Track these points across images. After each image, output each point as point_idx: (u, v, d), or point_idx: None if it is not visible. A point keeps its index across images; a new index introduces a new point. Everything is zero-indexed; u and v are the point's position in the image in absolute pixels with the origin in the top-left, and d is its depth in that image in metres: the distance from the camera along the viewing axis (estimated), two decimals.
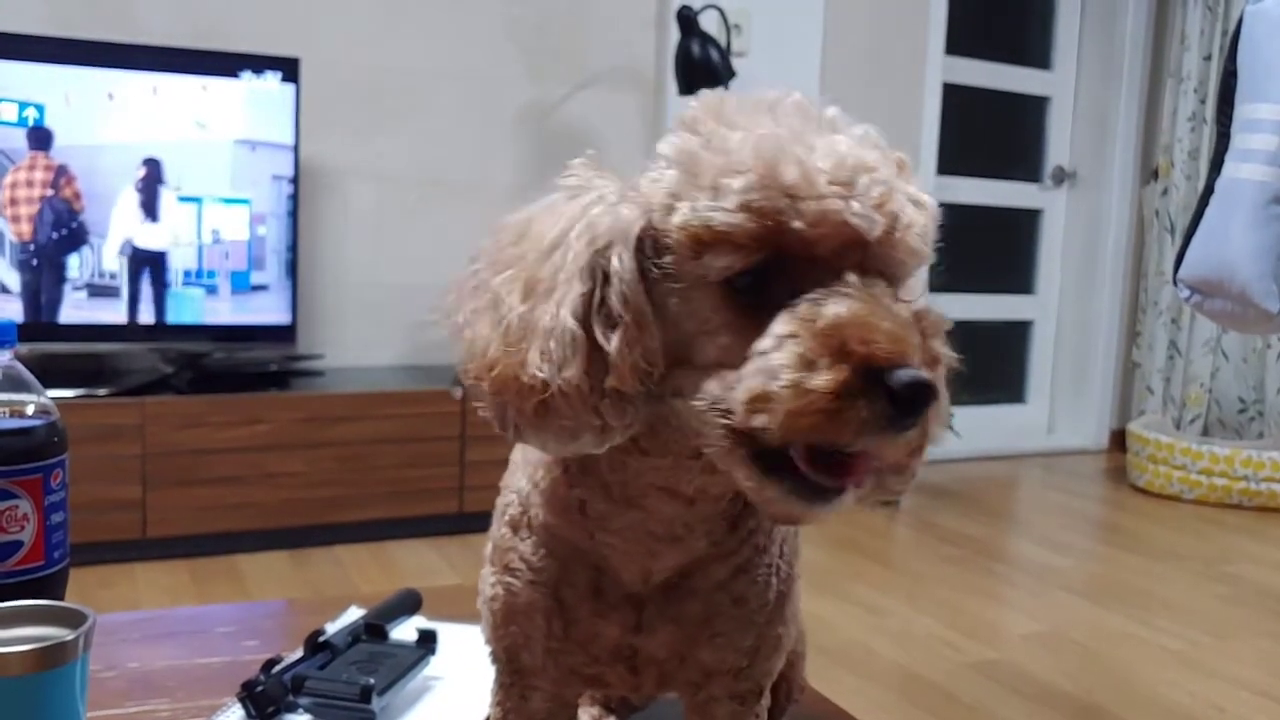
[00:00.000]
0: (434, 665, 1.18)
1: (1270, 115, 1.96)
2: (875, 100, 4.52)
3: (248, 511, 3.16)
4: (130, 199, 3.17)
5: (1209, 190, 2.07)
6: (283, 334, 3.37)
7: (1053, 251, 5.26)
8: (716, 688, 0.73)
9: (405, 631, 1.21)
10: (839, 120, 0.63)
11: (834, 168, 0.57)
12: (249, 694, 1.05)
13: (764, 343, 0.55)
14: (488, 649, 0.77)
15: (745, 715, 0.74)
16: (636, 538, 0.68)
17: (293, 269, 3.37)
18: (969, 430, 4.79)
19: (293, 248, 3.36)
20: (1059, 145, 5.21)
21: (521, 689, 0.76)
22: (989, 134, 5.10)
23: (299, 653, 1.13)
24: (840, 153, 0.58)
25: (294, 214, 3.35)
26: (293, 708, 1.07)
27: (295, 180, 3.33)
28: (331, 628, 1.18)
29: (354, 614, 1.24)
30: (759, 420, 0.53)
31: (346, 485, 3.26)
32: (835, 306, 0.55)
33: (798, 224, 0.56)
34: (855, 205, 0.57)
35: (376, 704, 1.04)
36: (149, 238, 3.20)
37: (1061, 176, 5.18)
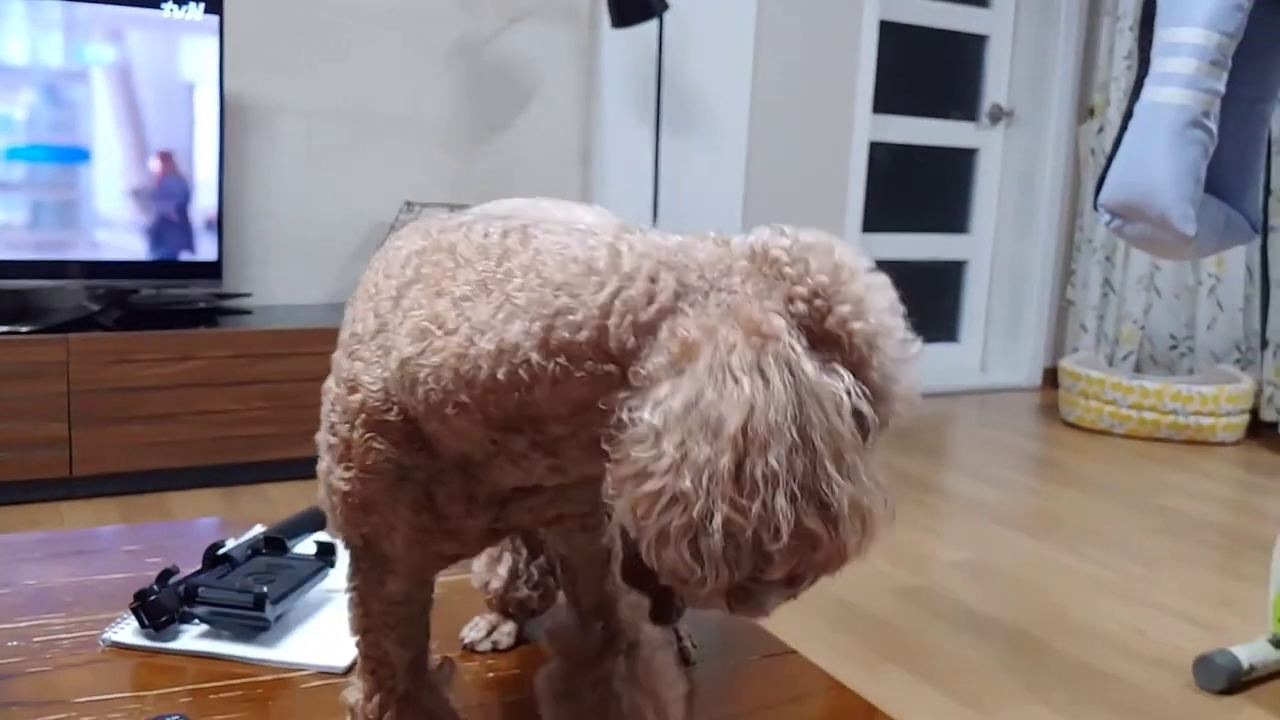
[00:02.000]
0: (334, 578, 1.17)
1: (1189, 39, 1.97)
2: (811, 38, 4.50)
3: (177, 449, 3.12)
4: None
5: (1129, 115, 2.08)
6: (209, 270, 3.32)
7: (988, 191, 5.29)
8: (569, 523, 0.78)
9: (308, 548, 1.20)
10: None
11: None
12: (142, 604, 1.04)
13: None
14: (338, 537, 0.75)
15: (599, 535, 0.79)
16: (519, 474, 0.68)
17: (219, 206, 3.30)
18: None
19: (219, 184, 3.29)
20: (996, 84, 5.21)
21: (380, 574, 0.74)
22: (926, 72, 5.09)
23: (199, 566, 1.12)
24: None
25: (220, 150, 3.28)
26: (187, 618, 1.06)
27: (221, 115, 3.26)
28: (233, 543, 1.16)
29: (258, 533, 1.22)
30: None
31: (276, 423, 3.23)
32: None
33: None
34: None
35: (270, 612, 1.03)
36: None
37: (999, 115, 5.20)
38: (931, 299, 5.36)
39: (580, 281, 0.60)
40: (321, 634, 1.07)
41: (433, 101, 3.83)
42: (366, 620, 0.76)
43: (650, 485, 0.55)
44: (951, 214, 5.29)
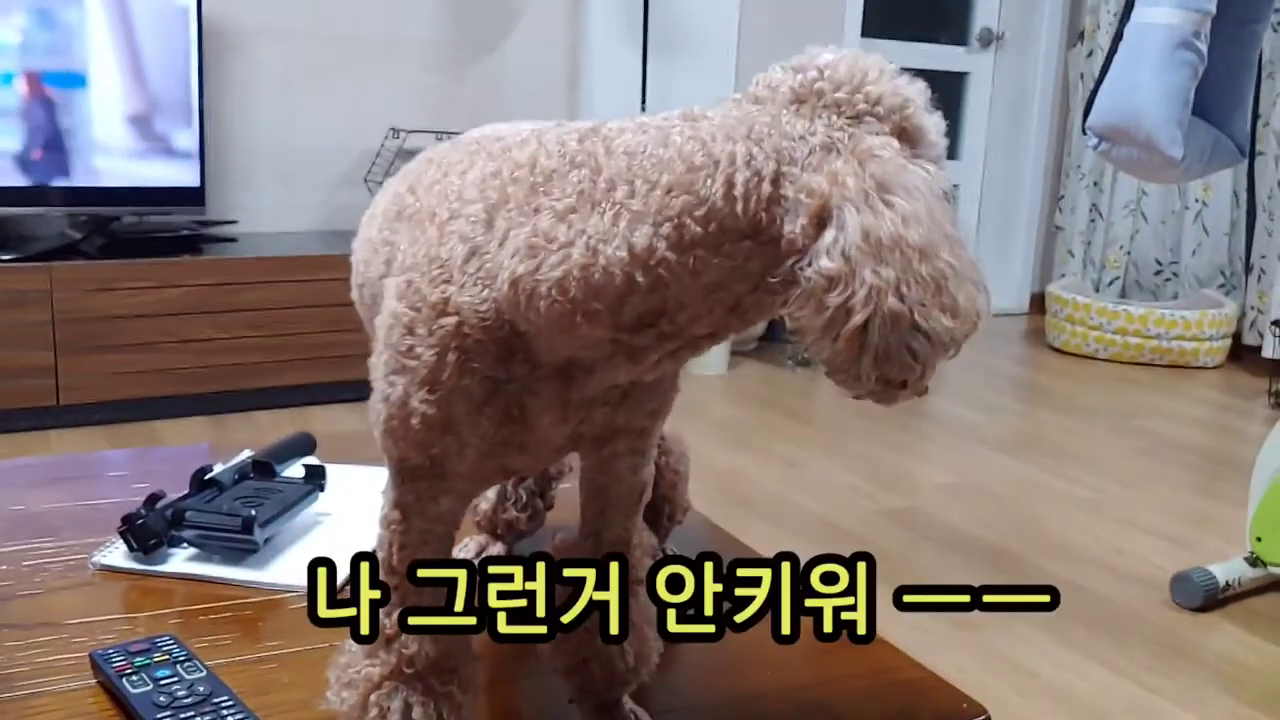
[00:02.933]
0: (324, 502, 1.18)
1: None
2: None
3: (164, 377, 3.12)
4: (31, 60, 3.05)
5: (1118, 36, 2.06)
6: (191, 196, 3.29)
7: (978, 116, 5.25)
8: (621, 444, 0.79)
9: (296, 472, 1.21)
10: None
11: None
12: (129, 527, 1.04)
13: None
14: (394, 459, 0.74)
15: (643, 465, 0.82)
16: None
17: (200, 132, 3.27)
18: None
19: (199, 109, 3.26)
20: (986, 7, 5.16)
21: (436, 492, 0.74)
22: None
23: (186, 491, 1.12)
24: None
25: (199, 74, 3.24)
26: (176, 542, 1.07)
27: (199, 38, 3.22)
28: (220, 468, 1.17)
29: (246, 458, 1.23)
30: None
31: (263, 351, 3.22)
32: None
33: None
34: None
35: (259, 535, 1.04)
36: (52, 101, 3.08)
37: (989, 39, 5.15)
38: None
39: (690, 179, 0.62)
40: (311, 556, 1.08)
41: (417, 25, 3.77)
42: (405, 538, 0.76)
43: (857, 319, 0.59)
44: None
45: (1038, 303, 5.16)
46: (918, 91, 0.65)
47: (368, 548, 1.10)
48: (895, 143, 0.62)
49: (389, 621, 0.75)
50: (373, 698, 0.74)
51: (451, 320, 0.67)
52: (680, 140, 0.63)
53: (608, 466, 0.81)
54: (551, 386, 0.69)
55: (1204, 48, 1.99)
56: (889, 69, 0.66)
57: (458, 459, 0.71)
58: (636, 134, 0.65)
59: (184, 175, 3.27)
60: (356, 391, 3.35)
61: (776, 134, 0.63)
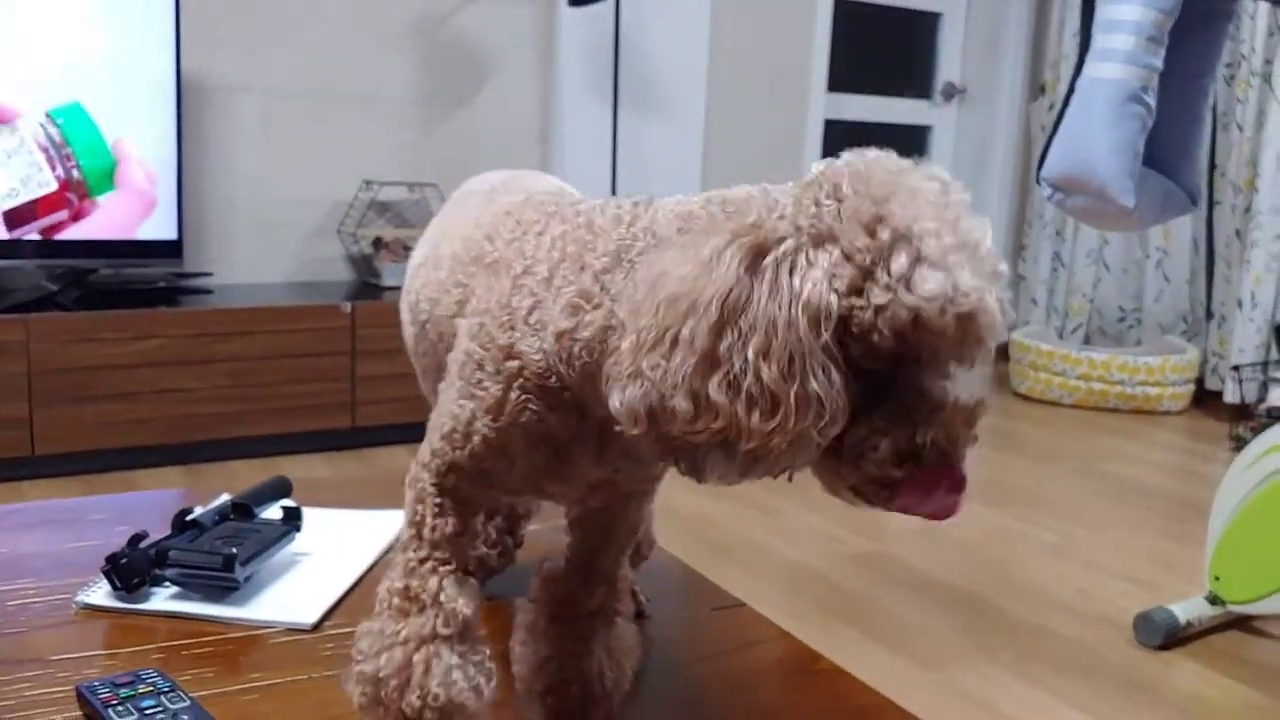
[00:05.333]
0: (302, 543, 1.21)
1: (1129, 15, 2.03)
2: (766, 16, 4.54)
3: (139, 428, 3.14)
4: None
5: (1071, 90, 2.14)
6: (169, 250, 3.33)
7: (942, 168, 5.34)
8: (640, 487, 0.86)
9: (275, 514, 1.24)
10: (966, 207, 0.65)
11: (986, 274, 0.61)
12: (113, 566, 1.07)
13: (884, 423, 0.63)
14: (445, 460, 0.79)
15: (647, 503, 0.90)
16: None
17: (178, 185, 3.31)
18: None
19: (178, 163, 3.30)
20: (950, 61, 5.28)
21: (476, 490, 0.80)
22: (880, 51, 5.15)
23: (168, 532, 1.15)
24: (990, 260, 0.62)
25: (178, 128, 3.28)
26: (158, 580, 1.10)
27: (178, 93, 3.27)
28: (200, 510, 1.20)
29: (225, 500, 1.26)
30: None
31: (238, 401, 3.25)
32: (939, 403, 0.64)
33: (948, 326, 0.60)
34: (993, 317, 0.61)
35: (240, 573, 1.07)
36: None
37: (952, 93, 5.26)
38: None
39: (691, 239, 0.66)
40: (290, 594, 1.11)
41: (392, 79, 3.84)
42: (439, 514, 0.80)
43: (625, 340, 0.63)
44: None
45: (1002, 350, 5.24)
46: (913, 196, 0.63)
47: (343, 586, 1.14)
48: (798, 233, 0.63)
49: (426, 585, 0.79)
50: (416, 657, 0.77)
51: (514, 364, 0.73)
52: (704, 204, 0.69)
53: (618, 504, 0.86)
54: (594, 437, 0.75)
55: (1152, 102, 2.06)
56: (900, 169, 0.66)
57: (505, 475, 0.78)
58: (682, 202, 0.71)
59: (161, 228, 3.31)
60: (329, 441, 3.39)
61: (777, 204, 0.65)
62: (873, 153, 0.66)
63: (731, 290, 0.60)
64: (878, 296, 0.59)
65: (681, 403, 0.60)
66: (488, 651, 0.81)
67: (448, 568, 0.80)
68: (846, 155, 0.66)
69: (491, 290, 0.76)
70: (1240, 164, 4.41)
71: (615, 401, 0.63)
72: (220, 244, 3.66)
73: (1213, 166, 4.51)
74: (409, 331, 0.94)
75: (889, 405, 0.62)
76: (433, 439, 0.79)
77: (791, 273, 0.60)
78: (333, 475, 3.16)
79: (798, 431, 0.60)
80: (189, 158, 3.47)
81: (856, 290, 0.59)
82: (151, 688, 0.88)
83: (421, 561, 0.80)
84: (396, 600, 0.79)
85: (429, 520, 0.80)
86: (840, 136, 4.93)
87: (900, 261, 0.59)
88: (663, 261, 0.63)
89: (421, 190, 3.83)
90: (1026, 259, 5.22)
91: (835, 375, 0.60)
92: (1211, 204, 4.55)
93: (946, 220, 0.61)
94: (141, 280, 3.40)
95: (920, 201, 0.61)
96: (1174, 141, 2.24)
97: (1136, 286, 4.94)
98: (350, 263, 3.85)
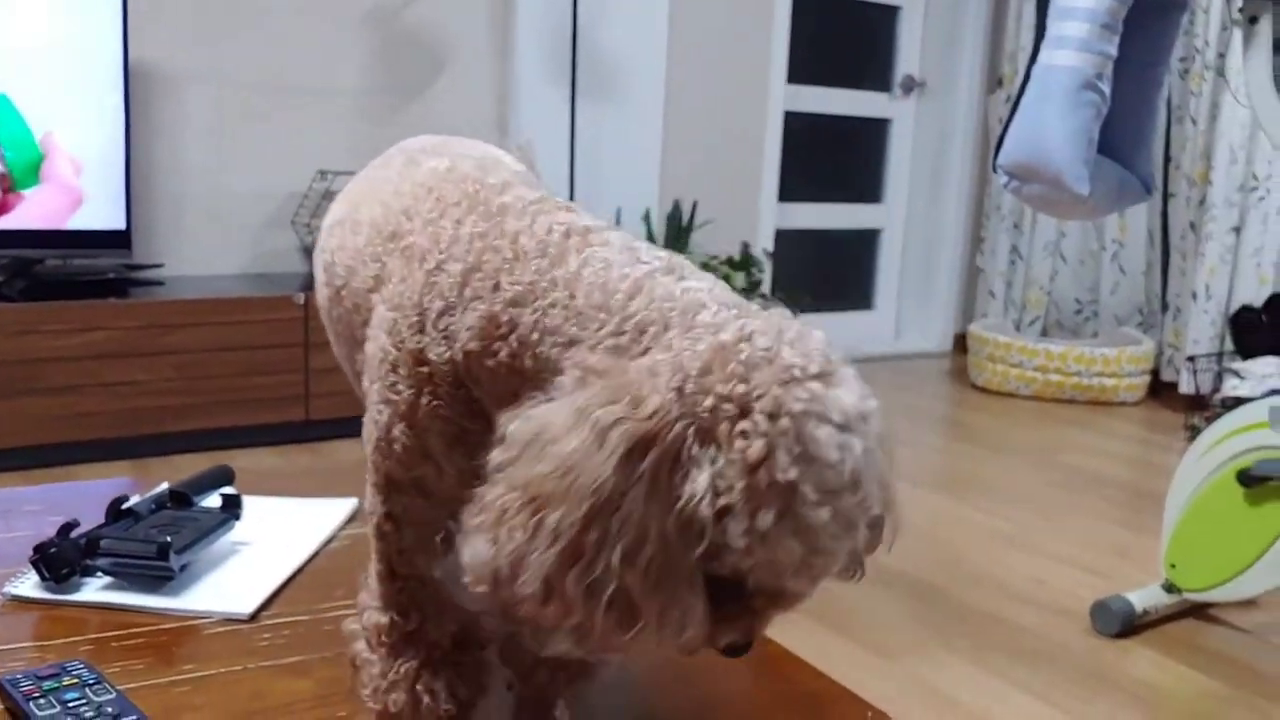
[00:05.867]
0: (242, 532, 1.18)
1: (1084, 2, 2.03)
2: (726, 7, 4.53)
3: (86, 422, 3.08)
4: None
5: (1026, 78, 2.13)
6: (117, 240, 3.27)
7: (901, 160, 5.37)
8: None
9: (215, 503, 1.21)
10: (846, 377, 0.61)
11: (852, 528, 0.59)
12: (41, 556, 1.04)
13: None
14: (382, 473, 0.78)
15: None
16: None
17: (126, 175, 3.25)
18: None
19: (126, 153, 3.24)
20: (909, 54, 5.29)
21: (423, 503, 0.78)
22: (839, 43, 5.15)
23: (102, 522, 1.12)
24: (862, 509, 0.58)
25: (126, 118, 3.22)
26: (90, 571, 1.06)
27: (126, 82, 3.21)
28: (137, 499, 1.16)
29: (163, 489, 1.23)
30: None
31: (188, 394, 3.19)
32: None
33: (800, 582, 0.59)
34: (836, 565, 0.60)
35: (174, 561, 1.04)
36: None
37: (911, 85, 5.27)
38: (847, 268, 5.44)
39: (592, 315, 0.64)
40: (227, 583, 1.08)
41: (346, 68, 3.79)
42: (401, 542, 0.79)
43: (491, 488, 0.59)
44: (865, 184, 5.37)
45: (961, 343, 5.26)
46: (813, 426, 0.57)
47: (283, 575, 1.11)
48: (688, 424, 0.57)
49: (408, 620, 0.79)
50: (419, 688, 0.78)
51: (425, 370, 0.72)
52: (628, 279, 0.64)
53: None
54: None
55: (1107, 89, 2.06)
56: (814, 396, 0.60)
57: (437, 481, 0.76)
58: (616, 252, 0.66)
59: (109, 218, 3.25)
60: (281, 434, 3.34)
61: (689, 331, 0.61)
62: (791, 352, 0.59)
63: (608, 483, 0.56)
64: (735, 538, 0.56)
65: (534, 586, 0.57)
66: (483, 651, 0.82)
67: (424, 591, 0.80)
68: (772, 322, 0.60)
69: (405, 282, 0.74)
70: (1195, 157, 4.44)
71: (465, 553, 0.60)
72: (172, 235, 3.60)
73: (1167, 159, 4.54)
74: (323, 294, 0.92)
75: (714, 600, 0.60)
76: (367, 450, 0.78)
77: (672, 473, 0.56)
78: (282, 467, 3.12)
79: (656, 644, 0.58)
80: (138, 147, 3.40)
81: (727, 510, 0.55)
82: (77, 680, 0.84)
83: (399, 591, 0.79)
84: (385, 637, 0.80)
85: (394, 548, 0.79)
86: (800, 128, 4.92)
87: (767, 519, 0.55)
88: (551, 415, 0.59)
89: None
90: (985, 251, 5.24)
91: (701, 589, 0.58)
92: (1166, 196, 4.58)
93: (828, 478, 0.56)
94: (90, 271, 3.34)
95: (809, 440, 0.56)
96: (1128, 129, 2.24)
97: (1093, 279, 4.97)
98: (305, 254, 3.80)
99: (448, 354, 0.71)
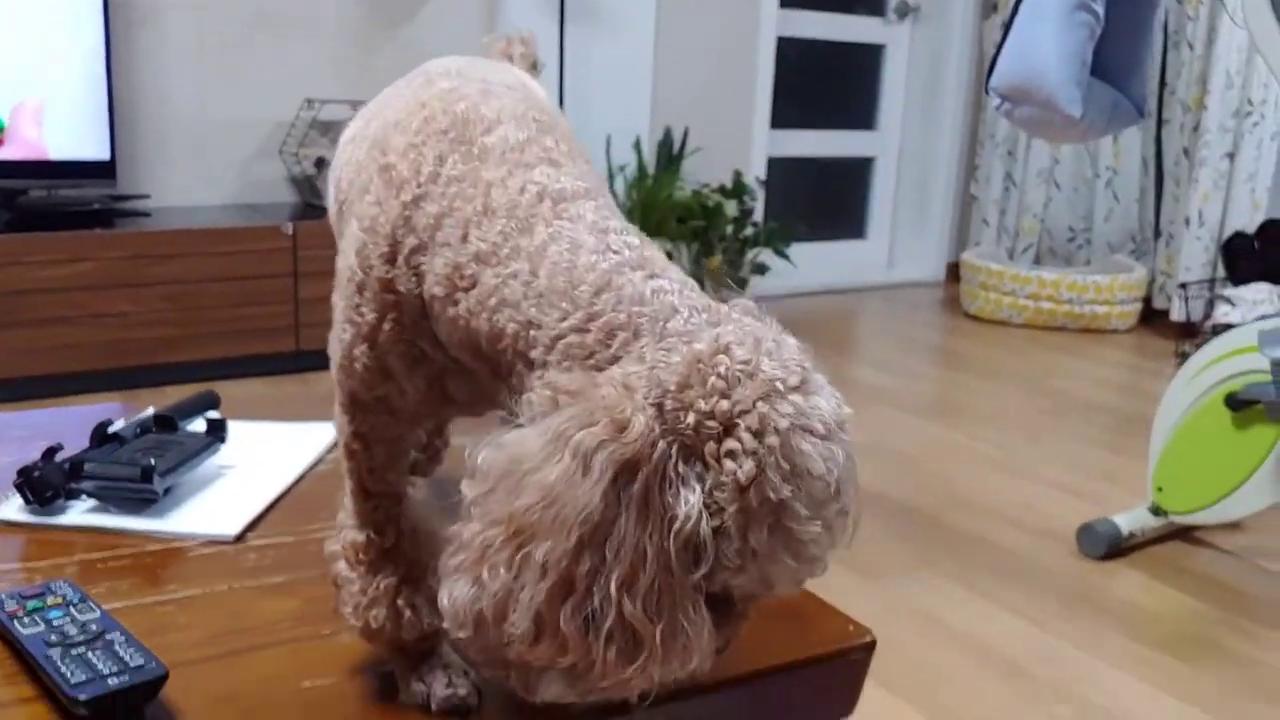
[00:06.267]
0: (227, 455, 1.18)
1: None
2: None
3: (74, 353, 3.07)
4: None
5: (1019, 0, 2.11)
6: (101, 170, 3.23)
7: (895, 87, 5.31)
8: None
9: (200, 427, 1.21)
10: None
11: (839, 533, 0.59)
12: (25, 480, 1.04)
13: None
14: (347, 392, 0.77)
15: None
16: None
17: (109, 104, 3.21)
18: (811, 266, 4.89)
19: (108, 82, 3.20)
20: None
21: (389, 421, 0.78)
22: None
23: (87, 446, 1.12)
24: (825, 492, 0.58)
25: (107, 44, 3.18)
26: (74, 494, 1.06)
27: (106, 7, 3.16)
28: (122, 424, 1.16)
29: (148, 413, 1.22)
30: None
31: (177, 325, 3.18)
32: None
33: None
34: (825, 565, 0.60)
35: (158, 484, 1.04)
36: None
37: (905, 10, 5.20)
38: (840, 197, 5.41)
39: (554, 301, 0.62)
40: (212, 506, 1.08)
41: None
42: (371, 460, 0.78)
43: (467, 526, 0.58)
44: (859, 111, 5.32)
45: (954, 272, 5.25)
46: (796, 444, 0.57)
47: (268, 497, 1.11)
48: (672, 443, 0.56)
49: (384, 538, 0.79)
50: (399, 603, 0.77)
51: (391, 298, 0.71)
52: (594, 267, 0.62)
53: None
54: (467, 372, 0.72)
55: (1100, 10, 2.04)
56: (800, 414, 0.59)
57: (400, 399, 0.75)
58: (584, 232, 0.64)
59: (94, 148, 3.21)
60: (272, 365, 3.34)
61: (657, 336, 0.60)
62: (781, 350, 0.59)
63: (597, 510, 0.54)
64: (728, 557, 0.56)
65: (523, 624, 0.55)
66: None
67: (399, 508, 0.80)
68: (747, 330, 0.59)
69: (379, 206, 0.72)
70: (1190, 82, 4.40)
71: (443, 597, 0.58)
72: (157, 166, 3.56)
73: (1162, 85, 4.50)
74: (331, 210, 0.92)
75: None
76: (332, 370, 0.77)
77: (662, 492, 0.55)
78: (272, 395, 3.12)
79: (662, 675, 0.56)
80: (120, 77, 3.36)
81: (719, 531, 0.55)
82: (61, 599, 0.85)
83: (374, 509, 0.79)
84: (362, 555, 0.79)
85: (364, 466, 0.79)
86: (793, 54, 4.86)
87: (761, 538, 0.55)
88: (526, 443, 0.57)
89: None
90: (979, 179, 5.21)
91: (704, 611, 0.57)
92: (1160, 122, 4.54)
93: (817, 491, 0.56)
94: (76, 202, 3.31)
95: (798, 456, 0.56)
96: (1122, 51, 2.21)
97: (1087, 206, 4.95)
98: (293, 184, 3.77)
99: (417, 290, 0.70)
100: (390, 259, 0.71)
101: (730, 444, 0.55)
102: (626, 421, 0.55)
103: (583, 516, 0.54)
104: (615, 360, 0.59)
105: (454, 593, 0.58)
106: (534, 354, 0.62)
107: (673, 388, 0.56)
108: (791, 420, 0.56)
